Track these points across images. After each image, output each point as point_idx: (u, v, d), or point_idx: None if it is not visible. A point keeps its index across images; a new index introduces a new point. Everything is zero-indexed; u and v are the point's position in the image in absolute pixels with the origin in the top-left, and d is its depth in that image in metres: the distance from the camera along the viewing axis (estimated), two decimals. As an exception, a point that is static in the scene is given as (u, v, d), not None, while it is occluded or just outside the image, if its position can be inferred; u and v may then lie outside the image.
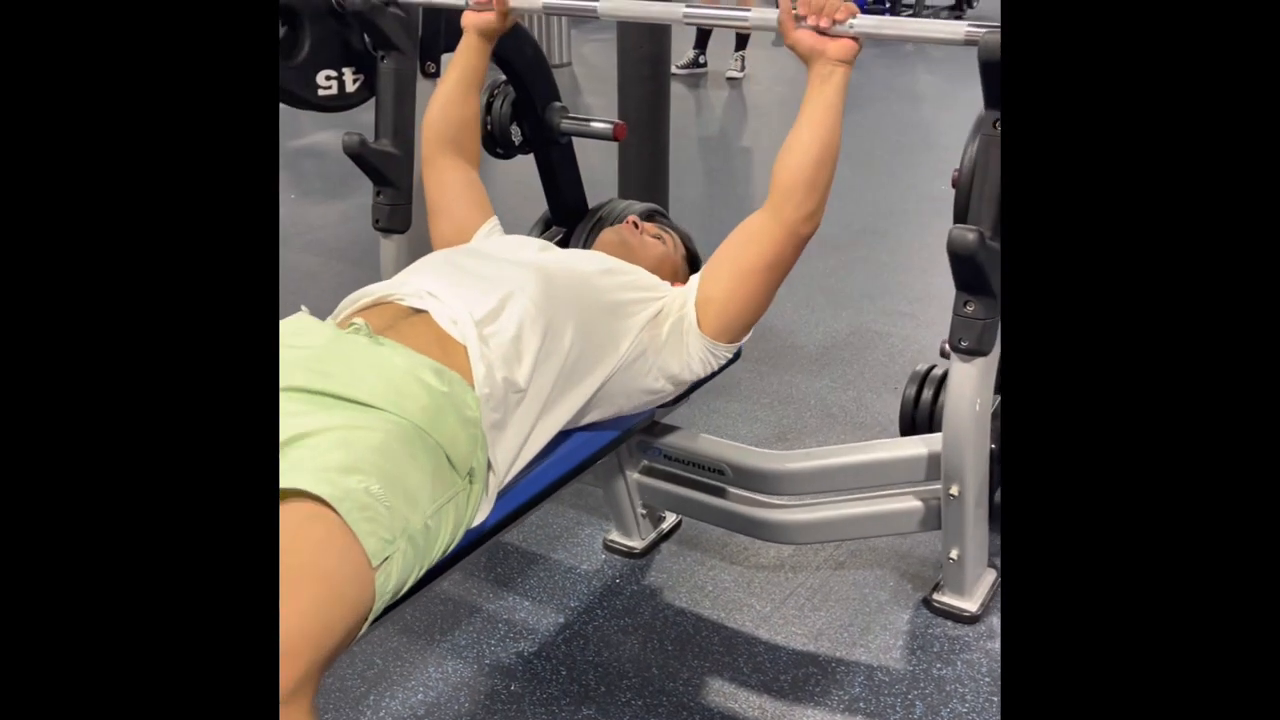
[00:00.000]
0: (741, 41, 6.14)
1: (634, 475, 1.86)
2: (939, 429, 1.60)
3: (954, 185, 1.65)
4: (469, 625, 1.76)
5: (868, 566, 1.89)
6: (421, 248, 1.98)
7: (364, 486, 1.02)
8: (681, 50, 5.88)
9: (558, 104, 2.08)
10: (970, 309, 1.47)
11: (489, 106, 2.09)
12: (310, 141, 5.01)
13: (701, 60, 6.22)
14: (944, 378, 1.75)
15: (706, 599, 1.82)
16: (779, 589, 1.84)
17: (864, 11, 1.46)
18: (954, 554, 1.66)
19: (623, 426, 1.55)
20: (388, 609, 1.08)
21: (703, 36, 6.19)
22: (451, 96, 1.73)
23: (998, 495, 1.77)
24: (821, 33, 1.42)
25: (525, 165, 2.18)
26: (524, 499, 1.36)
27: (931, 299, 3.02)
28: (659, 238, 1.76)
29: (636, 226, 1.75)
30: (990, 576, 1.76)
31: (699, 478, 1.78)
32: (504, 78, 2.06)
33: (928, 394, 1.86)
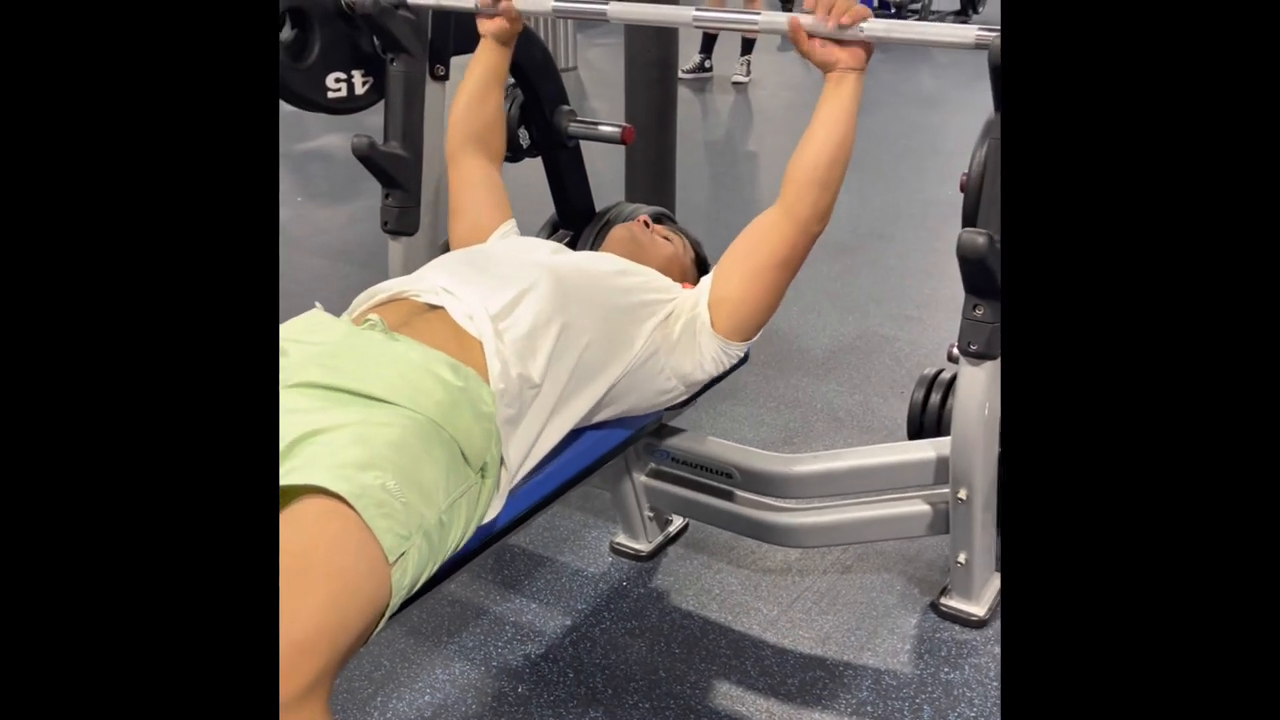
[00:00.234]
0: (747, 46, 6.15)
1: (641, 478, 1.86)
2: (947, 433, 1.60)
3: (962, 189, 1.65)
4: (476, 627, 1.76)
5: (875, 570, 1.89)
6: (430, 250, 1.99)
7: (380, 483, 1.02)
8: (687, 55, 5.89)
9: (566, 107, 2.08)
10: (979, 312, 1.48)
11: (503, 105, 2.10)
12: (317, 144, 5.02)
13: (707, 65, 6.23)
14: (952, 381, 1.75)
15: (714, 602, 1.82)
16: (786, 592, 1.84)
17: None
18: (962, 558, 1.66)
19: (633, 427, 1.55)
20: (400, 607, 1.08)
21: (709, 41, 6.20)
22: (475, 94, 1.75)
23: (1006, 499, 1.77)
24: (833, 40, 1.43)
25: (533, 168, 2.19)
26: (534, 499, 1.36)
27: (938, 303, 3.02)
28: (668, 239, 1.77)
29: (648, 225, 1.76)
30: (998, 581, 1.76)
31: (706, 481, 1.78)
32: (512, 80, 2.07)
33: (936, 398, 1.86)
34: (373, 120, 1.99)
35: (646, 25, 2.67)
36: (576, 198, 2.16)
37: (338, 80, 1.96)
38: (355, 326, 1.27)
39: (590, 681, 1.64)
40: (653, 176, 2.87)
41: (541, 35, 2.50)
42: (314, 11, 1.89)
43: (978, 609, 1.72)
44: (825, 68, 1.47)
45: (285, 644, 0.87)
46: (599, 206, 2.17)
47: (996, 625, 1.72)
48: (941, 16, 8.09)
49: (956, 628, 1.73)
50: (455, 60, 2.00)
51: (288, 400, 1.11)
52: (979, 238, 1.39)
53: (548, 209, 2.19)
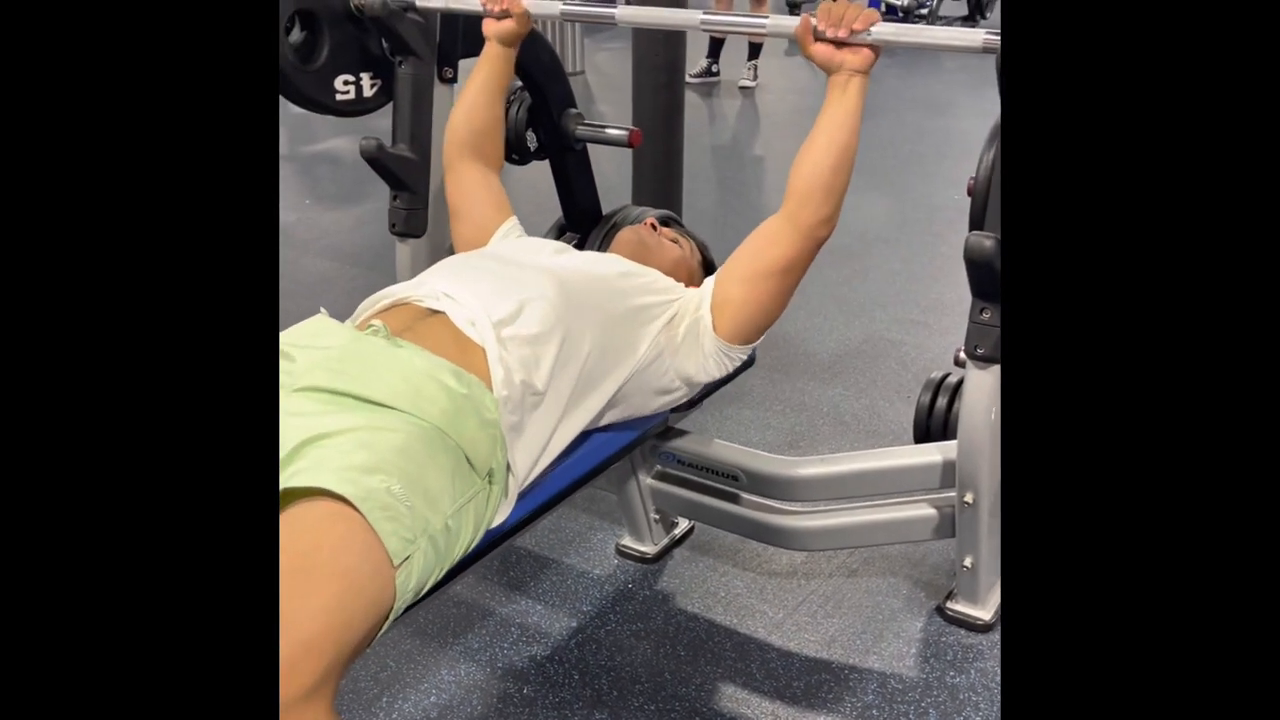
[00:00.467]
0: (754, 50, 6.15)
1: (647, 480, 1.86)
2: (953, 436, 1.60)
3: (969, 193, 1.65)
4: (482, 629, 1.76)
5: (881, 574, 1.89)
6: (437, 252, 1.99)
7: (386, 486, 1.02)
8: (694, 59, 5.89)
9: (573, 111, 2.09)
10: (986, 316, 1.48)
11: (505, 112, 2.10)
12: (325, 147, 5.03)
13: (714, 69, 6.23)
14: (959, 385, 1.75)
15: (719, 605, 1.82)
16: (792, 595, 1.84)
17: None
18: (968, 562, 1.66)
19: (639, 429, 1.55)
20: (405, 610, 1.09)
21: (715, 45, 6.20)
22: (475, 102, 1.74)
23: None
24: (840, 44, 1.42)
25: (540, 171, 2.19)
26: (540, 502, 1.36)
27: (944, 308, 3.02)
28: (676, 241, 1.77)
29: (655, 228, 1.76)
30: (1004, 585, 1.76)
31: (712, 483, 1.78)
32: (520, 84, 2.07)
33: (942, 401, 1.86)
34: (381, 123, 2.00)
35: (654, 29, 2.67)
36: (583, 201, 2.16)
37: (346, 82, 1.97)
38: (359, 332, 1.27)
39: (595, 683, 1.64)
40: (659, 180, 2.87)
41: (549, 39, 2.51)
42: (323, 14, 1.89)
43: (984, 613, 1.72)
44: (830, 70, 1.45)
45: (290, 643, 0.88)
46: (606, 209, 2.17)
47: (1002, 629, 1.72)
48: (949, 21, 8.09)
49: (962, 632, 1.72)
50: (463, 63, 2.01)
51: (293, 404, 1.11)
52: (986, 241, 1.39)
53: (555, 212, 2.19)
